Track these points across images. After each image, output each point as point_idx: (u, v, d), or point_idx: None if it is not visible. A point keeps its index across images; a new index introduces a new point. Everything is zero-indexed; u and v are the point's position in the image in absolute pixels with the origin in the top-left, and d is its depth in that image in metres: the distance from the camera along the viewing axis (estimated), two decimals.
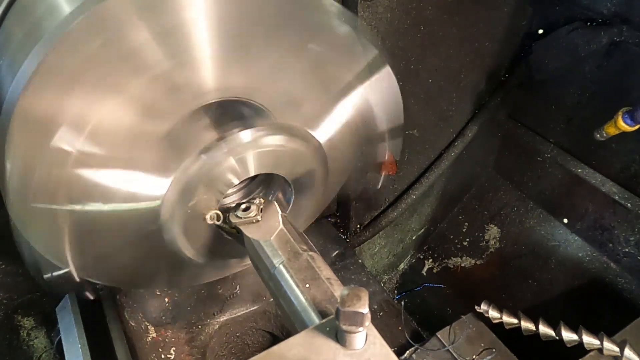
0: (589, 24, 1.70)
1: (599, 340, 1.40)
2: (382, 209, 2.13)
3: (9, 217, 0.95)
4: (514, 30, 1.89)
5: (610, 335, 1.43)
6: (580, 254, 2.01)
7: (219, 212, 1.12)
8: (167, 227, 1.08)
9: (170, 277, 1.35)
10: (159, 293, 1.68)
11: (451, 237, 2.41)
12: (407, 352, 1.58)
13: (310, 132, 1.14)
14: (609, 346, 1.39)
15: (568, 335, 1.44)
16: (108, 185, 0.97)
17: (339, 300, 0.77)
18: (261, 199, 1.18)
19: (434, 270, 2.40)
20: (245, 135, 1.04)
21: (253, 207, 1.14)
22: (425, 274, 2.42)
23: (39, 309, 1.70)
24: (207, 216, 1.11)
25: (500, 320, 1.57)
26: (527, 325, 1.52)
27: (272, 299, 1.63)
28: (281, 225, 1.12)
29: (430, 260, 2.43)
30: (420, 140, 1.96)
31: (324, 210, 1.71)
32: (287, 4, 0.96)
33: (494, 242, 2.27)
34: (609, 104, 1.65)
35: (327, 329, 0.83)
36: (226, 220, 1.15)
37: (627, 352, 1.37)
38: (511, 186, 2.28)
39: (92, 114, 0.87)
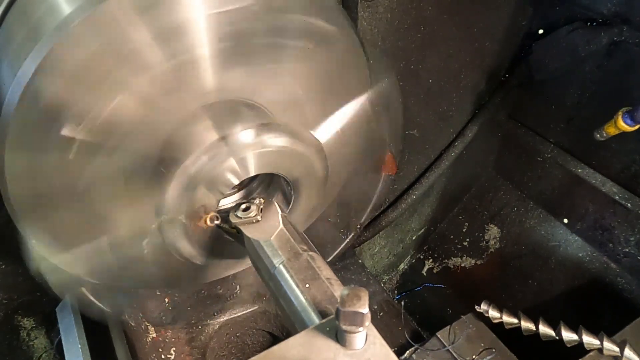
0: (589, 24, 1.70)
1: (599, 340, 1.40)
2: (382, 209, 2.12)
3: (9, 217, 0.95)
4: (514, 30, 1.89)
5: (610, 335, 1.43)
6: (580, 254, 2.01)
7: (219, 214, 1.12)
8: (167, 227, 1.08)
9: (171, 277, 1.35)
10: (158, 293, 1.68)
11: (451, 237, 2.41)
12: (407, 352, 1.58)
13: (311, 132, 1.14)
14: (609, 346, 1.39)
15: (568, 335, 1.44)
16: (108, 186, 0.97)
17: (339, 300, 0.76)
18: (261, 199, 1.18)
19: (434, 271, 2.40)
20: (246, 136, 1.04)
21: (253, 207, 1.15)
22: (425, 274, 2.42)
23: (39, 309, 1.70)
24: (207, 216, 1.12)
25: (500, 320, 1.57)
26: (527, 325, 1.52)
27: (272, 299, 1.63)
28: (281, 225, 1.12)
29: (431, 260, 2.43)
30: (420, 140, 1.96)
31: (324, 210, 1.71)
32: (287, 4, 0.96)
33: (494, 242, 2.27)
34: (609, 104, 1.65)
35: (327, 329, 0.83)
36: (226, 220, 1.15)
37: (627, 352, 1.37)
38: (511, 186, 2.28)
39: (92, 115, 0.87)
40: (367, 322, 0.78)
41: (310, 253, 1.05)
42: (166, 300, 1.68)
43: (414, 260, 2.49)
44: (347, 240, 1.84)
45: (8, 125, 0.83)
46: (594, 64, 1.76)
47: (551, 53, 1.81)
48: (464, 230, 2.38)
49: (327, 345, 0.81)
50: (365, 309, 0.76)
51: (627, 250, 1.86)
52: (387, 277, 2.49)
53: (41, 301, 1.67)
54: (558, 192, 2.07)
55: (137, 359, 1.52)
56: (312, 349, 0.81)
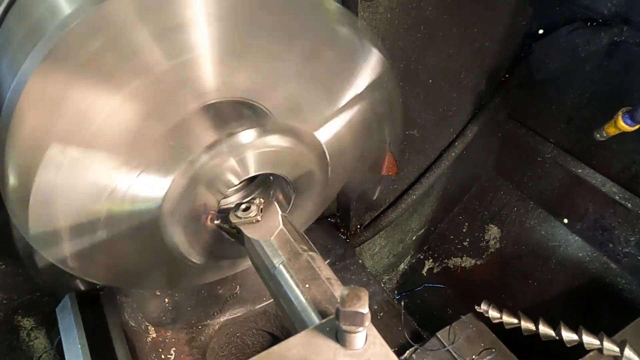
0: (589, 24, 1.70)
1: (599, 340, 1.40)
2: (382, 209, 2.13)
3: (9, 217, 0.95)
4: (514, 31, 1.89)
5: (610, 335, 1.43)
6: (580, 254, 2.01)
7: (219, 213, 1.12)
8: (167, 227, 1.08)
9: (170, 277, 1.35)
10: (159, 293, 1.68)
11: (451, 237, 2.41)
12: (407, 352, 1.58)
13: (311, 132, 1.14)
14: (609, 346, 1.39)
15: (568, 335, 1.44)
16: (108, 186, 0.97)
17: (339, 300, 0.76)
18: (261, 199, 1.18)
19: (434, 271, 2.40)
20: (246, 136, 1.04)
21: (253, 207, 1.15)
22: (425, 274, 2.42)
23: (39, 310, 1.70)
24: (207, 217, 1.12)
25: (500, 320, 1.57)
26: (527, 325, 1.52)
27: (272, 299, 1.63)
28: (281, 225, 1.12)
29: (431, 260, 2.43)
30: (420, 140, 1.96)
31: (324, 211, 1.71)
32: (287, 4, 0.96)
33: (494, 242, 2.27)
34: (609, 104, 1.65)
35: (327, 329, 0.83)
36: (226, 220, 1.15)
37: (627, 352, 1.37)
38: (511, 186, 2.28)
39: (93, 114, 0.87)
40: (367, 322, 0.78)
41: (310, 253, 1.05)
42: (166, 300, 1.68)
43: (414, 261, 2.49)
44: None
45: (8, 125, 0.83)
46: (594, 64, 1.76)
47: (551, 53, 1.81)
48: (464, 230, 2.38)
49: (327, 345, 0.81)
50: (365, 309, 0.76)
51: (627, 250, 1.86)
52: (387, 277, 2.49)
53: (41, 301, 1.67)
54: (558, 192, 2.07)
55: (137, 359, 1.52)
56: (312, 349, 0.81)
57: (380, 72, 1.14)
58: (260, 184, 1.30)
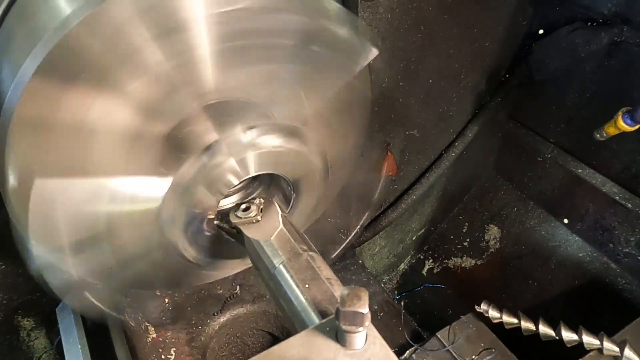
0: (589, 24, 1.70)
1: (599, 340, 1.40)
2: (382, 209, 2.13)
3: (9, 217, 0.95)
4: (514, 31, 1.89)
5: (610, 335, 1.43)
6: (580, 254, 2.01)
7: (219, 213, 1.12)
8: (167, 228, 1.08)
9: (170, 278, 1.35)
10: (159, 293, 1.68)
11: (451, 237, 2.41)
12: (407, 352, 1.58)
13: (311, 132, 1.14)
14: (609, 346, 1.39)
15: (568, 335, 1.44)
16: (108, 186, 0.97)
17: (339, 300, 0.76)
18: (261, 199, 1.18)
19: (434, 271, 2.40)
20: (246, 136, 1.04)
21: (253, 207, 1.14)
22: (425, 274, 2.42)
23: (39, 310, 1.70)
24: (207, 217, 1.11)
25: (500, 320, 1.57)
26: (527, 325, 1.52)
27: (272, 299, 1.63)
28: (281, 225, 1.12)
29: (431, 260, 2.43)
30: (420, 140, 1.96)
31: (324, 211, 1.71)
32: (288, 5, 0.96)
33: (494, 243, 2.27)
34: (610, 104, 1.65)
35: (327, 329, 0.83)
36: (226, 220, 1.15)
37: (627, 352, 1.37)
38: (511, 186, 2.28)
39: (93, 115, 0.87)
40: (367, 322, 0.78)
41: (310, 253, 1.05)
42: (166, 300, 1.68)
43: (414, 261, 2.49)
44: (348, 240, 1.84)
45: (8, 126, 0.83)
46: (594, 64, 1.76)
47: (551, 53, 1.81)
48: (464, 230, 2.38)
49: (327, 345, 0.81)
50: (365, 309, 0.76)
51: (627, 250, 1.86)
52: (387, 277, 2.49)
53: (41, 301, 1.67)
54: (558, 192, 2.07)
55: (137, 359, 1.52)
56: (312, 349, 0.81)
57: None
58: (261, 184, 1.30)
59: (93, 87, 0.85)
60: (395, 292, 2.44)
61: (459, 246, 2.36)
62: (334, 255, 1.79)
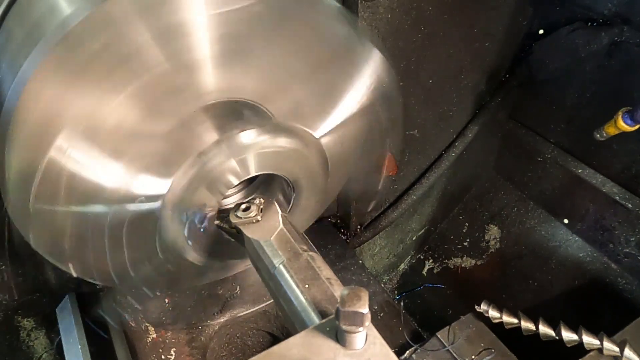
0: (589, 24, 1.70)
1: (599, 340, 1.40)
2: (382, 209, 2.13)
3: (9, 217, 0.95)
4: (514, 31, 1.89)
5: (610, 335, 1.43)
6: (580, 255, 2.01)
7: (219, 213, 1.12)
8: (168, 228, 1.08)
9: (171, 278, 1.35)
10: (159, 293, 1.68)
11: (451, 237, 2.41)
12: (407, 352, 1.58)
13: (311, 132, 1.14)
14: (609, 346, 1.39)
15: (568, 335, 1.44)
16: (108, 186, 0.97)
17: (339, 300, 0.76)
18: (261, 199, 1.18)
19: (434, 271, 2.40)
20: (246, 136, 1.04)
21: (253, 207, 1.14)
22: (425, 274, 2.42)
23: (39, 310, 1.70)
24: (207, 217, 1.11)
25: (500, 320, 1.57)
26: (527, 325, 1.52)
27: (272, 299, 1.63)
28: (281, 225, 1.12)
29: (431, 260, 2.43)
30: (420, 140, 1.97)
31: (325, 211, 1.71)
32: (288, 4, 0.96)
33: (495, 243, 2.27)
34: (609, 104, 1.65)
35: (327, 329, 0.83)
36: (226, 220, 1.15)
37: (627, 352, 1.37)
38: (511, 186, 2.28)
39: (93, 115, 0.87)
40: (367, 322, 0.78)
41: (310, 253, 1.05)
42: (166, 300, 1.68)
43: (414, 261, 2.49)
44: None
45: (8, 126, 0.83)
46: (595, 64, 1.76)
47: (551, 53, 1.81)
48: (464, 230, 2.38)
49: (327, 345, 0.81)
50: (365, 309, 0.76)
51: (627, 250, 1.86)
52: (387, 277, 2.49)
53: (41, 302, 1.67)
54: (558, 193, 2.07)
55: (137, 359, 1.52)
56: (312, 349, 0.81)
57: (381, 72, 1.14)
58: (261, 184, 1.30)
59: (93, 87, 0.85)
60: (395, 292, 2.44)
61: (459, 246, 2.36)
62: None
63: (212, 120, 1.03)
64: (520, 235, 2.20)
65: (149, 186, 1.01)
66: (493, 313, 1.58)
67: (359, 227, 2.13)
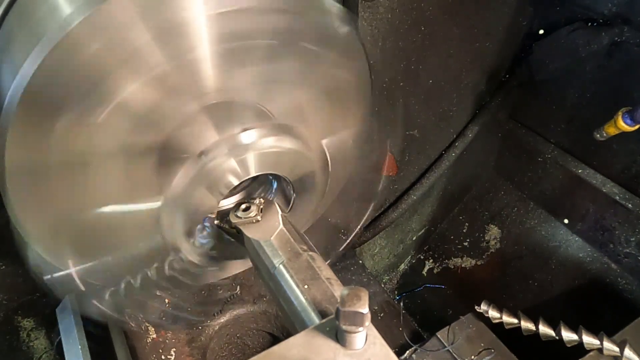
0: (589, 24, 1.70)
1: (599, 340, 1.40)
2: (382, 209, 2.12)
3: (9, 218, 0.95)
4: (514, 31, 1.89)
5: (610, 335, 1.43)
6: (580, 255, 2.01)
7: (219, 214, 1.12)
8: (168, 228, 1.08)
9: (171, 278, 1.35)
10: (158, 293, 1.67)
11: (451, 237, 2.41)
12: (407, 352, 1.58)
13: (311, 132, 1.14)
14: (609, 346, 1.39)
15: (568, 335, 1.44)
16: (108, 187, 0.97)
17: (339, 300, 0.76)
18: (261, 199, 1.18)
19: (435, 271, 2.40)
20: (246, 137, 1.04)
21: (253, 207, 1.15)
22: (425, 274, 2.42)
23: (39, 310, 1.70)
24: (207, 217, 1.11)
25: (500, 320, 1.57)
26: (527, 325, 1.52)
27: (272, 299, 1.63)
28: (281, 225, 1.12)
29: (431, 260, 2.43)
30: (420, 140, 1.96)
31: (325, 211, 1.70)
32: (288, 4, 0.96)
33: (495, 243, 2.27)
34: (609, 104, 1.65)
35: (327, 329, 0.83)
36: (226, 220, 1.15)
37: (627, 352, 1.37)
38: (512, 186, 2.28)
39: (93, 115, 0.87)
40: (367, 322, 0.78)
41: (310, 253, 1.05)
42: (166, 300, 1.68)
43: (414, 261, 2.49)
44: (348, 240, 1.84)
45: (8, 126, 0.83)
46: (595, 64, 1.76)
47: (552, 53, 1.81)
48: (464, 230, 2.38)
49: (327, 345, 0.81)
50: (365, 309, 0.76)
51: (627, 250, 1.86)
52: (387, 277, 2.49)
53: (41, 302, 1.67)
54: (558, 193, 2.07)
55: None
56: (312, 349, 0.81)
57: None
58: (261, 184, 1.30)
59: (93, 88, 0.85)
60: (396, 292, 2.44)
61: (459, 246, 2.36)
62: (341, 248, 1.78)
63: (212, 121, 1.03)
64: (520, 235, 2.20)
65: (149, 187, 1.01)
66: (493, 313, 1.58)
67: (359, 227, 2.13)
